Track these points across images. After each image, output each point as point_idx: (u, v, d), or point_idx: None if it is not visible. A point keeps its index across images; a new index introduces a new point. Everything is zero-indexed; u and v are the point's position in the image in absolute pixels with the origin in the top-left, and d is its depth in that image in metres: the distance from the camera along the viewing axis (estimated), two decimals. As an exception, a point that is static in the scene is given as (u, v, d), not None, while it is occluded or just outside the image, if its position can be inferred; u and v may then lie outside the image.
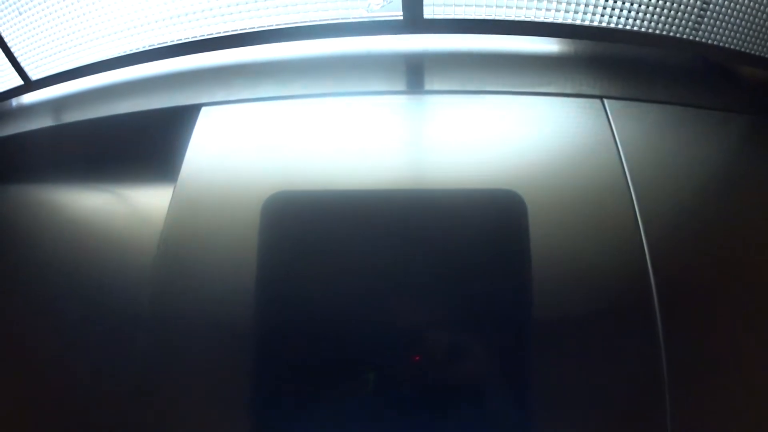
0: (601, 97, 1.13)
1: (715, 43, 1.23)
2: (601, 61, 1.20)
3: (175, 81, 1.25)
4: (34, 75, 1.40)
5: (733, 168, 1.16)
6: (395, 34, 1.17)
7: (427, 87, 1.17)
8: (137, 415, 0.97)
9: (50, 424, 1.09)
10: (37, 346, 1.15)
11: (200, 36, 1.21)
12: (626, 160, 1.07)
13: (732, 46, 1.24)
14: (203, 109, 1.16)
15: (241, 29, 1.18)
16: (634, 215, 1.02)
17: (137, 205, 1.26)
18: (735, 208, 1.11)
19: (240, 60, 1.24)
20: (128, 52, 1.26)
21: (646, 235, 1.01)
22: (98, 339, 1.10)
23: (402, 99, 1.15)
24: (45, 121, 1.37)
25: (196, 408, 0.96)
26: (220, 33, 1.20)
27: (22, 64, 1.39)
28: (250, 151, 1.10)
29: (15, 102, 1.48)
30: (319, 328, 0.95)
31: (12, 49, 1.37)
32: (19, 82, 1.41)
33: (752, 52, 1.26)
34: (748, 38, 1.24)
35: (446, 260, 0.96)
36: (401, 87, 1.17)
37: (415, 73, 1.18)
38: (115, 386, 1.03)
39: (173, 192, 1.09)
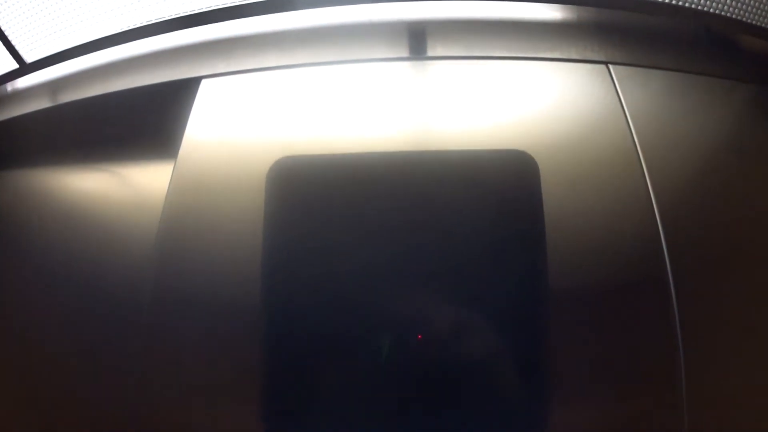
0: (606, 63, 1.13)
1: (719, 12, 1.22)
2: (605, 27, 1.19)
3: (173, 55, 1.23)
4: (29, 57, 1.37)
5: (739, 136, 1.15)
6: (398, 1, 1.16)
7: (430, 53, 1.16)
8: (139, 398, 0.95)
9: (49, 409, 1.06)
10: (36, 333, 1.13)
11: (198, 9, 1.18)
12: (634, 124, 1.06)
13: (735, 16, 1.24)
14: (203, 82, 1.14)
15: (240, 0, 1.16)
16: (643, 179, 1.02)
17: (137, 185, 1.23)
18: (741, 174, 1.10)
19: (240, 31, 1.22)
20: (125, 29, 1.24)
21: (656, 200, 1.00)
22: (98, 323, 1.08)
23: (406, 66, 1.13)
24: (41, 104, 1.35)
25: (203, 388, 0.94)
26: (218, 5, 1.18)
27: (17, 47, 1.36)
28: (254, 122, 1.08)
29: (10, 86, 1.45)
30: (328, 296, 0.93)
31: (5, 32, 1.35)
32: (14, 65, 1.39)
33: (755, 22, 1.25)
34: (751, 9, 1.23)
35: (459, 222, 0.94)
36: (404, 54, 1.16)
37: (418, 40, 1.16)
38: (117, 371, 1.00)
39: (174, 168, 1.07)
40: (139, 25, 1.22)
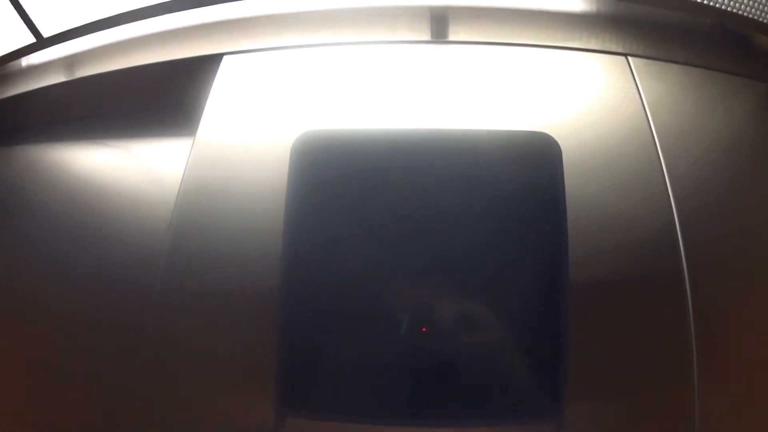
0: (625, 55, 1.14)
1: (734, 10, 1.24)
2: (624, 20, 1.21)
3: (195, 32, 1.23)
4: (47, 31, 1.36)
5: (753, 132, 1.16)
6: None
7: (452, 38, 1.16)
8: (151, 379, 0.94)
9: (58, 387, 1.06)
10: (49, 307, 1.12)
11: (221, -14, 1.19)
12: (652, 116, 1.07)
13: (751, 15, 1.25)
14: (225, 58, 1.14)
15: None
16: (661, 171, 1.02)
17: (154, 162, 1.23)
18: (756, 169, 1.11)
19: (263, 10, 1.22)
20: (146, 5, 1.23)
21: (673, 193, 1.00)
22: (112, 301, 1.07)
23: (427, 49, 1.13)
24: (56, 78, 1.34)
25: (216, 369, 0.93)
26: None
27: (35, 21, 1.35)
28: (275, 99, 1.08)
29: (24, 61, 1.44)
30: (349, 273, 0.93)
31: (24, 6, 1.34)
32: (32, 39, 1.38)
33: (769, 22, 1.27)
34: (766, 8, 1.25)
35: (481, 200, 0.94)
36: (426, 37, 1.16)
37: (440, 25, 1.17)
38: (129, 352, 0.99)
39: (193, 144, 1.07)
40: (160, 1, 1.22)
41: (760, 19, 1.27)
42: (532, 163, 0.97)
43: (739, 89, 1.20)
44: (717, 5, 1.22)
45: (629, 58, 1.13)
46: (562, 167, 0.96)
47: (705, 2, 1.21)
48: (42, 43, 1.37)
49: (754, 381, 0.95)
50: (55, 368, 1.08)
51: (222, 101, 1.09)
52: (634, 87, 1.09)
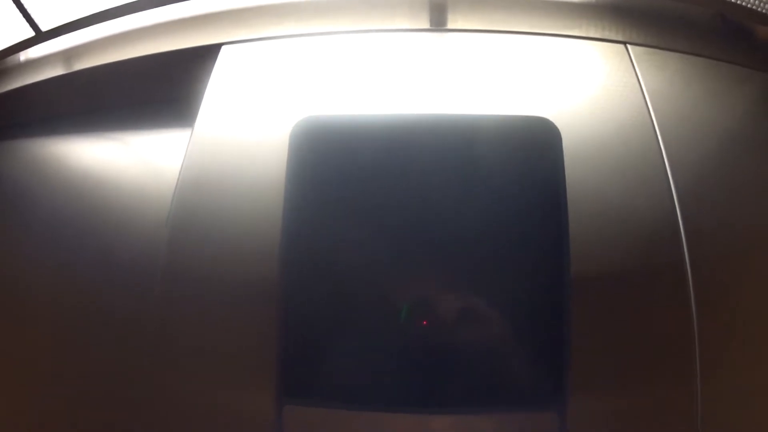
0: (624, 43, 1.14)
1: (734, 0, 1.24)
2: (624, 8, 1.21)
3: (194, 22, 1.23)
4: (45, 25, 1.36)
5: (755, 123, 1.15)
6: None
7: (451, 26, 1.16)
8: (155, 368, 0.93)
9: (59, 383, 1.06)
10: (48, 300, 1.12)
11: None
12: (652, 104, 1.07)
13: (750, 5, 1.25)
14: (224, 48, 1.14)
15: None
16: (661, 159, 1.02)
17: (152, 153, 1.22)
18: (759, 161, 1.10)
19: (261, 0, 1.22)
20: (144, -4, 1.24)
21: (674, 182, 1.00)
22: (112, 293, 1.07)
23: (426, 36, 1.14)
24: (54, 72, 1.34)
25: (220, 353, 0.93)
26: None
27: (33, 15, 1.35)
28: (274, 89, 1.08)
29: (23, 55, 1.44)
30: (349, 260, 0.92)
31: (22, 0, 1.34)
32: (30, 33, 1.38)
33: (768, 12, 1.26)
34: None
35: (480, 185, 0.94)
36: (425, 25, 1.16)
37: (439, 12, 1.17)
38: (132, 341, 1.00)
39: (191, 134, 1.06)
40: (159, -8, 1.22)
41: (760, 10, 1.26)
42: (532, 148, 0.97)
43: (739, 79, 1.20)
44: (716, -6, 1.22)
45: (628, 46, 1.13)
46: (561, 152, 0.95)
47: (704, -9, 1.21)
48: (40, 36, 1.37)
49: (758, 373, 0.94)
50: (53, 363, 1.07)
51: (220, 91, 1.09)
52: (634, 75, 1.09)
